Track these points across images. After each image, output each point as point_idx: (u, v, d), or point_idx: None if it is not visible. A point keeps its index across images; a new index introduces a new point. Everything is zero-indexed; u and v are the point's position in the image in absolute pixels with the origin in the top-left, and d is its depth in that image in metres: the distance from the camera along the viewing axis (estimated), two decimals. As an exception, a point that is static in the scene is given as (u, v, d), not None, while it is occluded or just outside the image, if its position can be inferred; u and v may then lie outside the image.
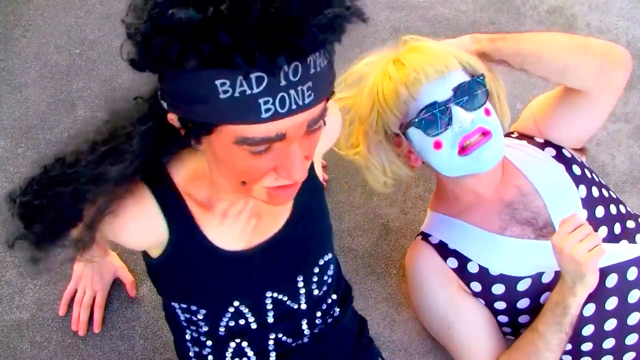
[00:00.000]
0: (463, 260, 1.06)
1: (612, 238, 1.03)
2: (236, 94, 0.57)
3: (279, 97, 0.58)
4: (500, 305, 1.05)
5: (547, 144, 1.12)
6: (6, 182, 1.39)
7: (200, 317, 0.88)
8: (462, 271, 1.06)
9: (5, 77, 1.50)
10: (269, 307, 0.90)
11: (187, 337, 0.96)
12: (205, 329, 0.90)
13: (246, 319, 0.90)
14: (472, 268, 1.05)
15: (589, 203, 1.04)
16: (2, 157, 1.42)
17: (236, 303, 0.87)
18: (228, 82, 0.57)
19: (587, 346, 1.02)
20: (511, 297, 1.03)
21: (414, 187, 1.43)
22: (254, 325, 0.91)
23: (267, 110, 0.58)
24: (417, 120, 0.97)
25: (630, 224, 1.07)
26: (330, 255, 0.94)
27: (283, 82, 0.58)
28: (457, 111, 0.95)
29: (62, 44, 1.54)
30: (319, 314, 0.97)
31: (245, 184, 0.70)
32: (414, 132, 1.00)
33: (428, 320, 1.15)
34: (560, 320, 0.95)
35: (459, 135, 0.96)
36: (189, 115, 0.63)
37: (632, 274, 1.01)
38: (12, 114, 1.46)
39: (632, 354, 1.01)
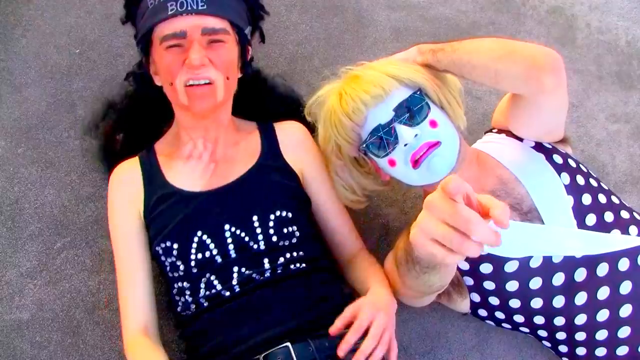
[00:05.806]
0: None
1: (601, 226, 1.03)
2: (156, 3, 1.03)
3: (179, 2, 1.00)
4: (489, 285, 1.05)
5: None
6: (6, 182, 1.39)
7: (175, 254, 1.07)
8: None
9: (5, 77, 1.50)
10: (229, 240, 1.06)
11: (175, 291, 1.10)
12: (182, 267, 1.07)
13: (210, 250, 1.06)
14: None
15: (573, 190, 1.04)
16: (2, 157, 1.42)
17: (199, 233, 1.06)
18: None
19: (580, 335, 1.03)
20: (499, 278, 1.04)
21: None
22: (218, 259, 1.06)
23: (172, 9, 1.01)
24: (364, 145, 1.04)
25: (625, 214, 1.07)
26: (290, 215, 1.10)
27: None
28: (400, 129, 1.00)
29: (62, 44, 1.54)
30: (281, 259, 1.07)
31: (172, 84, 1.05)
32: (369, 154, 1.06)
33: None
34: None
35: (409, 152, 1.00)
36: (140, 34, 1.09)
37: (623, 264, 1.01)
38: (12, 114, 1.46)
39: (626, 348, 1.02)
